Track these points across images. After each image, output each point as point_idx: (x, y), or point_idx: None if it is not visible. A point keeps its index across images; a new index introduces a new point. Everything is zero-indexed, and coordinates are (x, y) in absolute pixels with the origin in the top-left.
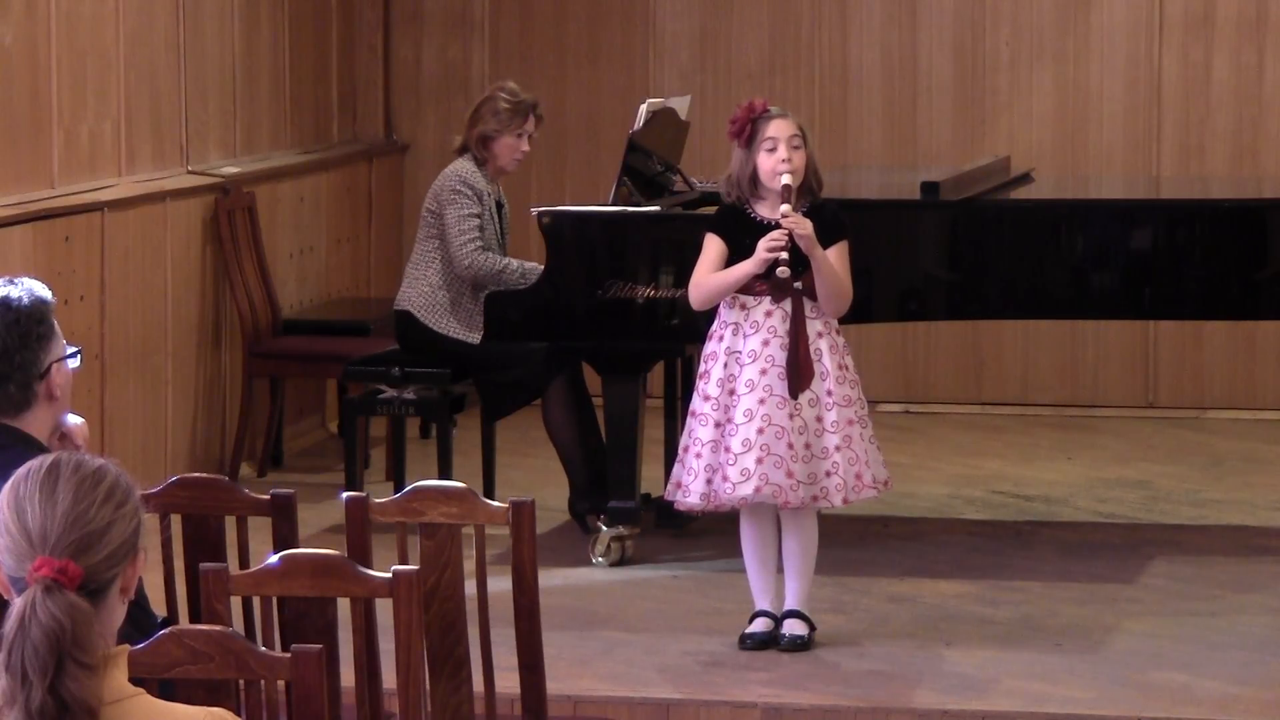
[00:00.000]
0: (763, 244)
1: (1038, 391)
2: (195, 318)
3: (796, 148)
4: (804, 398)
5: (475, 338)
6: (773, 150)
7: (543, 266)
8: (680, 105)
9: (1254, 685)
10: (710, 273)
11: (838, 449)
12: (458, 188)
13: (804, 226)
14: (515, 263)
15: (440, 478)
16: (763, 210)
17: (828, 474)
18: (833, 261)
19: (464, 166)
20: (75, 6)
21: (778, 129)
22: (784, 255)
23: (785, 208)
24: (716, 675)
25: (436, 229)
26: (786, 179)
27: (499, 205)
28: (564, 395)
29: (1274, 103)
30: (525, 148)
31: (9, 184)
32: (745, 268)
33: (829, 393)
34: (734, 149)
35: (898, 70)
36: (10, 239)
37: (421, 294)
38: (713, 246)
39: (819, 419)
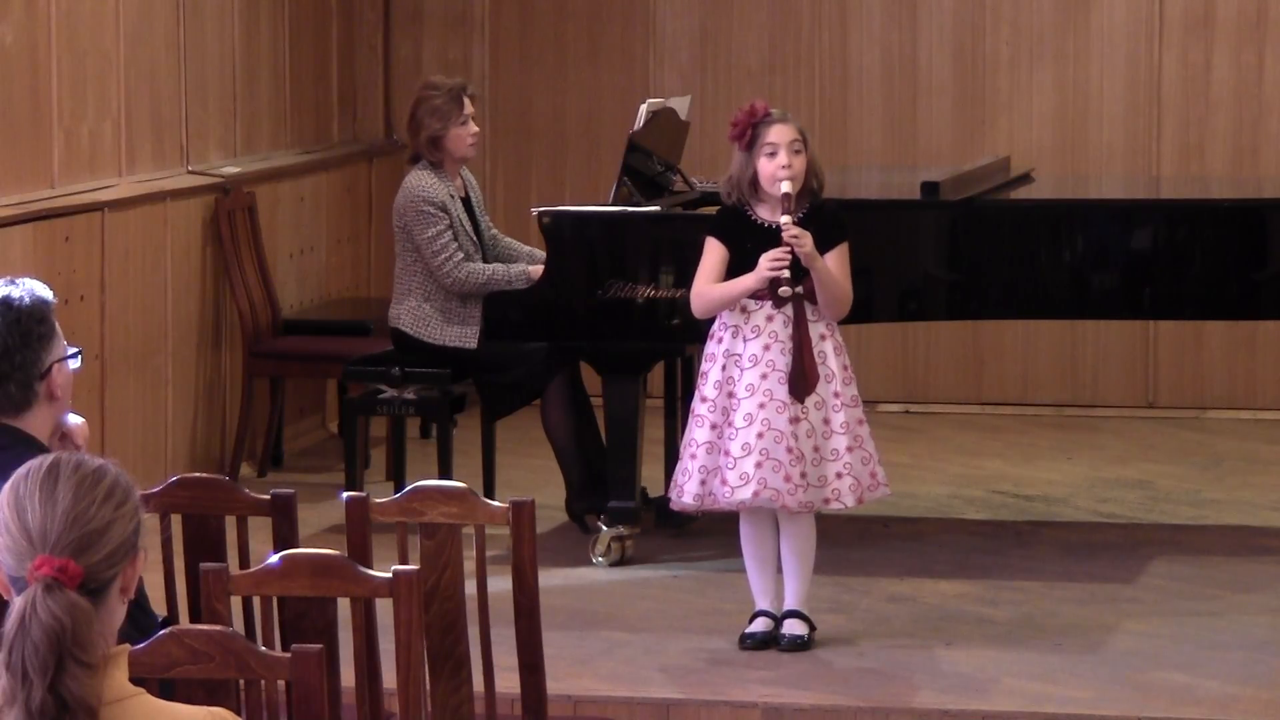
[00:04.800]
0: (764, 262)
1: (1038, 391)
2: (195, 318)
3: (797, 152)
4: (810, 401)
5: (471, 342)
6: (773, 155)
7: (526, 266)
8: (680, 105)
9: (1254, 685)
10: (711, 279)
11: (849, 449)
12: (420, 208)
13: (805, 243)
14: (501, 270)
15: (440, 478)
16: (763, 212)
17: (839, 475)
18: (833, 264)
19: (418, 180)
20: (75, 6)
21: (778, 134)
22: (786, 274)
23: (786, 219)
24: (716, 675)
25: (410, 243)
26: (786, 186)
27: (466, 201)
28: (563, 396)
29: (1274, 103)
30: (474, 130)
31: (9, 184)
32: (747, 283)
33: (835, 394)
34: (735, 151)
35: (898, 70)
36: (10, 239)
37: (409, 310)
38: (713, 251)
39: (826, 421)
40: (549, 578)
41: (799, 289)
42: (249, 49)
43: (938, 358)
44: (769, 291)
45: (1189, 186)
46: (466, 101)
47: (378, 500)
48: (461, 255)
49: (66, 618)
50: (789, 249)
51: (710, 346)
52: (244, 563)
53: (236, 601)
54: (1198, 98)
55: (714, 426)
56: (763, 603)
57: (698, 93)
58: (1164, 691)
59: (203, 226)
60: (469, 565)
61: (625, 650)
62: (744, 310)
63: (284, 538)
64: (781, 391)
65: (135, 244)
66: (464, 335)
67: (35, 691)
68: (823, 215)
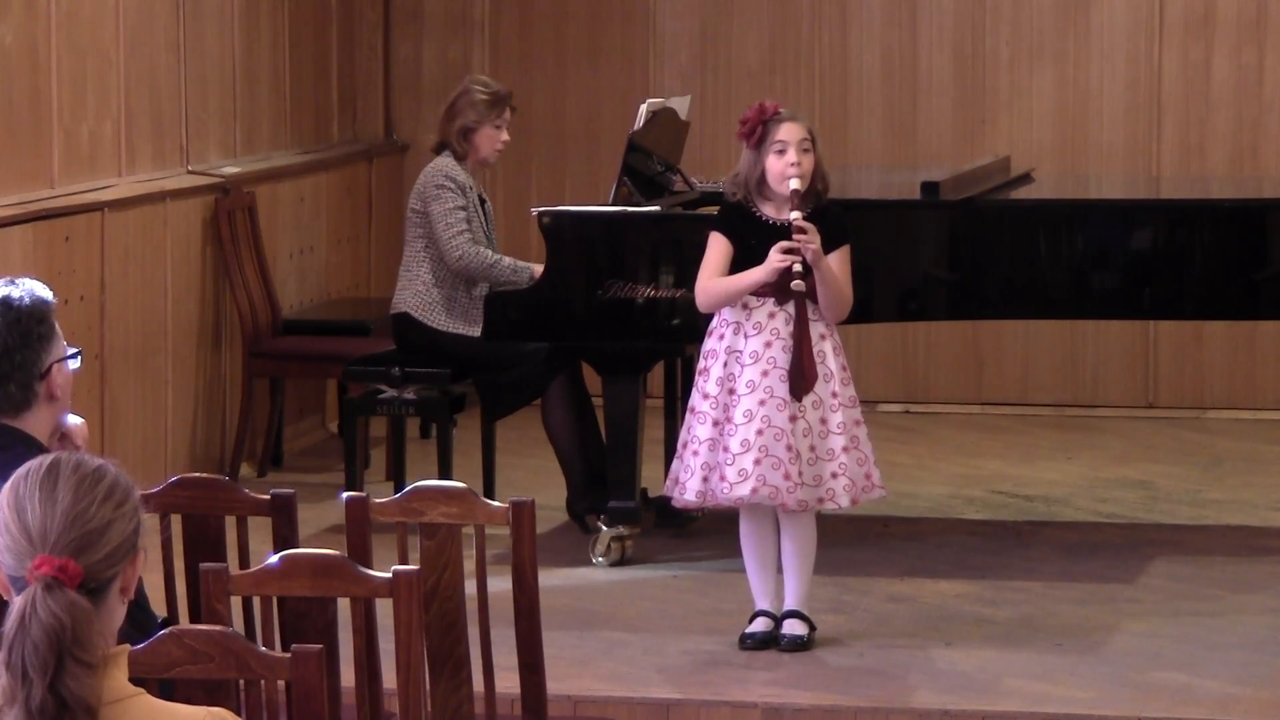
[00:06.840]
0: (774, 254)
1: (1038, 391)
2: (195, 318)
3: (806, 151)
4: (808, 400)
5: (475, 331)
6: (782, 153)
7: (533, 264)
8: (680, 105)
9: (1254, 685)
10: (715, 274)
11: (845, 450)
12: (441, 182)
13: (813, 240)
14: (507, 260)
15: (440, 478)
16: (768, 210)
17: (834, 475)
18: (835, 266)
19: (444, 162)
20: (75, 6)
21: (788, 132)
22: (799, 268)
23: (796, 215)
24: (716, 675)
25: (424, 228)
26: (795, 184)
27: (482, 200)
28: (564, 395)
29: (1274, 103)
30: (505, 137)
31: (9, 184)
32: (756, 275)
33: (834, 394)
34: (743, 149)
35: (898, 70)
36: (10, 239)
37: (416, 294)
38: (717, 246)
39: (823, 421)
40: (549, 578)
41: (801, 287)
42: (249, 49)
43: (938, 358)
44: (775, 288)
45: (1189, 186)
46: (508, 110)
47: (378, 500)
48: (471, 236)
49: (66, 617)
50: (797, 244)
51: (711, 343)
52: (244, 563)
53: (236, 601)
54: (1198, 98)
55: (716, 423)
56: (763, 603)
57: (698, 93)
58: (1164, 691)
59: (203, 226)
60: (469, 565)
61: (625, 650)
62: (745, 307)
63: (284, 538)
64: (782, 389)
65: (135, 244)
66: (468, 327)
67: (35, 691)
68: (826, 217)
